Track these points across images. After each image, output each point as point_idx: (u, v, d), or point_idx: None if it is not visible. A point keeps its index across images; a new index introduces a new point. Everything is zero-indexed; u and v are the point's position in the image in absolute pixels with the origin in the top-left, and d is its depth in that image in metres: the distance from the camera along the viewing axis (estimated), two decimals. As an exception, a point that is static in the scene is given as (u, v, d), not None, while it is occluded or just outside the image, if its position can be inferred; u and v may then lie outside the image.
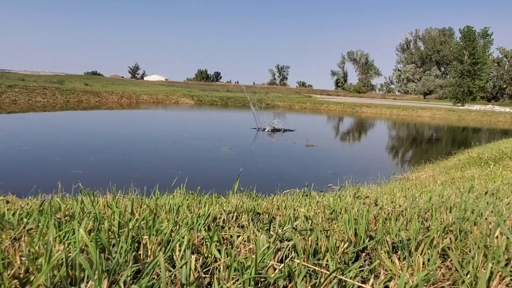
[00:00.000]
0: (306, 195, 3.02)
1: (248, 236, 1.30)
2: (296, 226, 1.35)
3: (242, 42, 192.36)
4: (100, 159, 8.74)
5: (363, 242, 1.27)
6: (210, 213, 1.53)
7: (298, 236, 1.22)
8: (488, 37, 59.44)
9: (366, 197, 2.40)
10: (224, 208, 1.69)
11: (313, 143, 12.74)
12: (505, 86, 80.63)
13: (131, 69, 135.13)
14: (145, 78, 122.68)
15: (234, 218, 1.56)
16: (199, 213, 1.51)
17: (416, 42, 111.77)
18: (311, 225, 1.37)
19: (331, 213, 1.63)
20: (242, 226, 1.51)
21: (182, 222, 1.41)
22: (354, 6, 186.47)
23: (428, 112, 37.21)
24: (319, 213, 1.68)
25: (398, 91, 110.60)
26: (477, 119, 35.39)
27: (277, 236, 1.22)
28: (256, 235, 1.30)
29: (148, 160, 9.16)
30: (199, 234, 1.29)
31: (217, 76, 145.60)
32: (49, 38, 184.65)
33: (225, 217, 1.53)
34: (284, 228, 1.34)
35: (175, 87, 50.72)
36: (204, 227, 1.35)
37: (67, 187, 5.95)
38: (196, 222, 1.40)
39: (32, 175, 7.01)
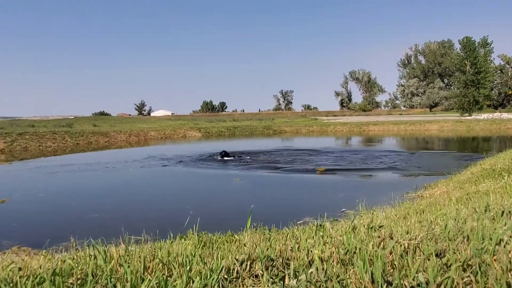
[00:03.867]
0: (320, 228, 2.98)
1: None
2: (311, 275, 1.32)
3: (244, 70, 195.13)
4: (114, 200, 8.78)
5: None
6: (223, 266, 1.50)
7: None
8: (488, 45, 59.70)
9: (380, 227, 2.36)
10: (237, 257, 1.66)
11: (323, 167, 12.67)
12: (510, 92, 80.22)
13: (137, 106, 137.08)
14: (152, 114, 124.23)
15: (248, 267, 1.54)
16: (212, 267, 1.49)
17: (417, 56, 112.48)
18: (325, 270, 1.34)
19: (346, 253, 1.59)
20: (256, 276, 1.48)
21: (195, 277, 1.39)
22: (351, 26, 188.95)
23: (436, 125, 37.03)
24: (333, 253, 1.64)
25: (404, 106, 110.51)
26: (486, 128, 35.09)
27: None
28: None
29: (162, 197, 9.18)
30: (213, 291, 1.27)
31: (223, 106, 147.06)
32: (56, 82, 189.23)
33: (238, 268, 1.51)
34: (299, 279, 1.31)
35: (181, 121, 51.27)
36: (217, 282, 1.33)
37: (84, 233, 5.95)
38: (210, 277, 1.38)
39: (49, 223, 7.03)
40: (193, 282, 1.36)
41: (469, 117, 47.91)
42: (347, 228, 2.35)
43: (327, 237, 2.13)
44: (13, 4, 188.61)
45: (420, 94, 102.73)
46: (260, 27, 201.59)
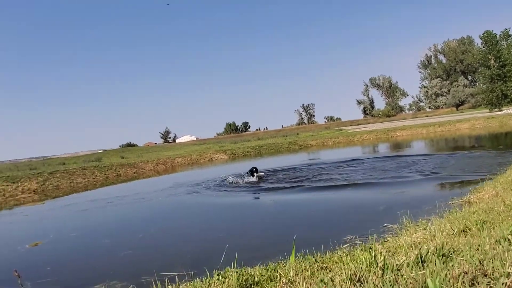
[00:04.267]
0: (374, 254, 2.62)
1: None
2: None
3: (263, 88, 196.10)
4: (146, 234, 8.55)
5: None
6: None
7: None
8: (510, 37, 57.96)
9: (454, 252, 1.99)
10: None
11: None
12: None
13: (162, 134, 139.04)
14: (177, 140, 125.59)
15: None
16: None
17: (437, 56, 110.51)
18: None
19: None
20: None
21: None
22: (367, 34, 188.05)
23: (466, 123, 35.79)
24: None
25: (429, 108, 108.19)
26: (520, 121, 33.63)
27: None
28: None
29: (193, 227, 8.93)
30: None
31: (246, 126, 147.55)
32: (84, 118, 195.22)
33: None
34: None
35: (206, 144, 51.47)
36: None
37: (117, 273, 5.74)
38: None
39: (83, 264, 6.84)
40: None
41: (500, 112, 46.23)
42: (413, 258, 1.99)
43: (393, 272, 1.78)
44: (42, 43, 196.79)
45: (444, 94, 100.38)
46: (276, 43, 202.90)
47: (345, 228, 6.84)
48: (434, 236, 3.60)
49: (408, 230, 5.10)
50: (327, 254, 3.95)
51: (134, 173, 27.58)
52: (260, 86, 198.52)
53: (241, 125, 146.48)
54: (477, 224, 3.53)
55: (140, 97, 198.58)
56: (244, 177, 14.64)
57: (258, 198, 11.62)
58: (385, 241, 4.06)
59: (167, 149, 49.93)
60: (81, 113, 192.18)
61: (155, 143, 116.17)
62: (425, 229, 4.17)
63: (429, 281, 1.34)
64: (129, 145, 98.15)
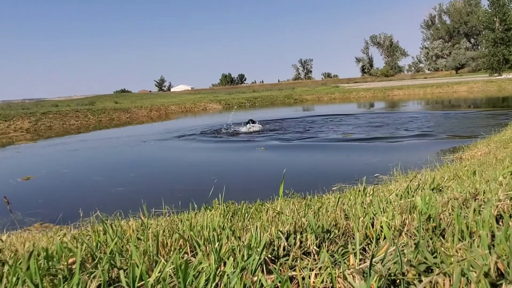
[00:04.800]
0: (363, 191, 2.61)
1: (331, 276, 0.91)
2: (404, 253, 0.94)
3: (262, 41, 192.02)
4: (138, 174, 8.58)
5: None
6: (265, 241, 1.12)
7: (415, 275, 0.82)
8: (518, 0, 56.48)
9: (445, 187, 1.96)
10: (281, 228, 1.29)
11: (350, 133, 12.20)
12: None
13: (157, 82, 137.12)
14: (172, 90, 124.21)
15: (298, 242, 1.17)
16: (250, 243, 1.12)
17: (441, 16, 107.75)
18: (416, 243, 0.96)
19: (429, 221, 1.21)
20: (309, 253, 1.12)
21: (228, 257, 1.03)
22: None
23: (465, 86, 35.54)
24: (408, 220, 1.26)
25: (428, 69, 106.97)
26: (519, 86, 33.45)
27: (383, 279, 0.82)
28: (345, 277, 0.91)
29: (186, 170, 8.95)
30: (255, 278, 0.91)
31: (242, 78, 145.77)
32: (79, 63, 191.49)
33: (285, 244, 1.14)
34: (385, 262, 0.93)
35: (201, 94, 50.93)
36: (260, 265, 0.97)
37: (108, 208, 5.75)
38: (249, 257, 1.01)
39: (74, 198, 6.86)
40: (225, 264, 1.01)
41: (499, 77, 45.87)
42: (403, 190, 1.96)
43: (382, 201, 1.75)
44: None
45: (445, 56, 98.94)
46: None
47: (335, 176, 6.86)
48: (425, 183, 3.59)
49: (398, 181, 5.12)
50: (316, 196, 3.95)
51: (127, 118, 27.38)
52: (258, 39, 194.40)
53: (237, 77, 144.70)
54: (468, 172, 3.52)
55: (136, 45, 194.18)
56: (240, 127, 14.72)
57: (250, 147, 11.62)
58: (375, 185, 4.08)
59: (161, 97, 49.45)
60: (76, 57, 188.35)
61: (150, 91, 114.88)
62: (415, 177, 4.18)
63: (417, 198, 1.29)
64: (123, 91, 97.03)
